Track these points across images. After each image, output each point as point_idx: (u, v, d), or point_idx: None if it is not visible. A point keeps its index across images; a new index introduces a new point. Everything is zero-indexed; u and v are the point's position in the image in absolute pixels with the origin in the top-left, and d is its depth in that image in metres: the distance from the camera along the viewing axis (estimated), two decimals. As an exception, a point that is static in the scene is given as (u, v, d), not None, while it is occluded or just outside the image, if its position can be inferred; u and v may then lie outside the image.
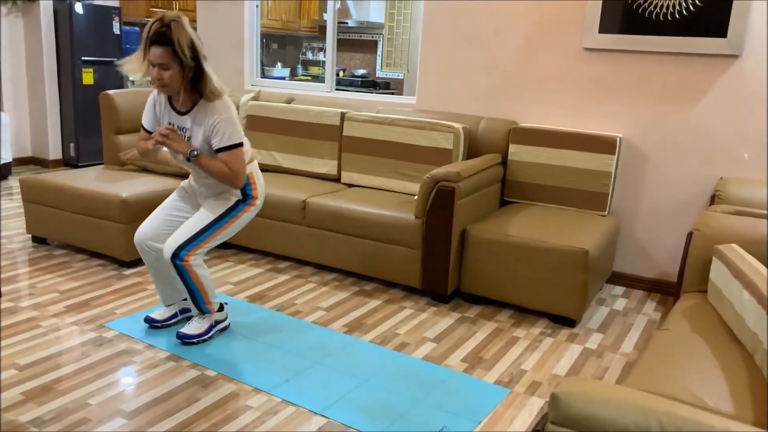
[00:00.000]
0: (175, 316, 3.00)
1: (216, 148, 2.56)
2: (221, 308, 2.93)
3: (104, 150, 4.41)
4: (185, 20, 2.43)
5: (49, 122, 6.27)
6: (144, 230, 2.78)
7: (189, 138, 2.62)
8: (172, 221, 2.82)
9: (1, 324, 2.90)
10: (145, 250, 2.79)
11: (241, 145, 2.59)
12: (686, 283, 2.58)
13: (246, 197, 2.75)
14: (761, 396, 1.69)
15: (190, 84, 2.50)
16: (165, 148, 2.64)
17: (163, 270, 2.85)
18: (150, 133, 2.72)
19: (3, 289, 3.31)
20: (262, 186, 2.82)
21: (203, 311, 2.82)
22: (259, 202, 2.80)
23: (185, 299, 2.98)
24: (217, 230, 2.70)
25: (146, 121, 2.75)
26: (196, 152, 2.55)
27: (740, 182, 3.24)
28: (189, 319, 3.01)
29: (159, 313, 2.98)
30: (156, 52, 2.41)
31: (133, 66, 2.52)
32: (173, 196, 2.88)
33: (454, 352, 2.87)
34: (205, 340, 2.83)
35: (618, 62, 3.69)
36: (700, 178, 3.59)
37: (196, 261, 2.66)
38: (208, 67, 2.49)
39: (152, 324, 2.94)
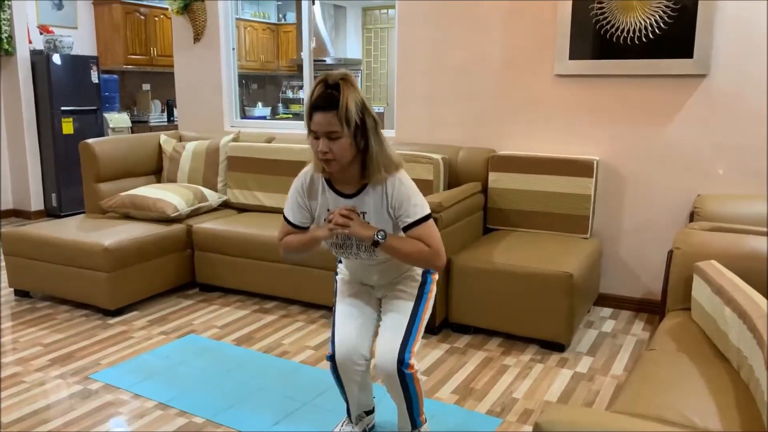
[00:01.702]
0: None
1: (408, 223, 2.06)
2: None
3: (85, 199, 4.39)
4: (354, 79, 2.00)
5: (30, 173, 6.25)
6: (347, 341, 2.16)
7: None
8: (364, 321, 2.23)
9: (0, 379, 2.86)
10: (353, 363, 2.16)
11: (431, 216, 2.10)
12: (670, 301, 2.59)
13: (427, 276, 2.27)
14: (748, 411, 1.69)
15: (361, 157, 2.03)
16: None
17: (365, 380, 2.30)
18: (297, 227, 2.20)
19: (-15, 345, 3.26)
20: None
21: (417, 425, 2.28)
22: (436, 281, 2.32)
23: (369, 413, 2.49)
24: (421, 319, 2.18)
25: (292, 214, 2.20)
26: (384, 234, 2.03)
27: (717, 198, 3.28)
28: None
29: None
30: (323, 118, 1.95)
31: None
32: (347, 299, 2.29)
33: (444, 385, 2.85)
34: None
35: (590, 87, 3.76)
36: (679, 196, 3.63)
37: (419, 368, 2.15)
38: (382, 135, 2.05)
39: None
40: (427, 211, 2.08)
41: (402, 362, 2.04)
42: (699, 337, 2.23)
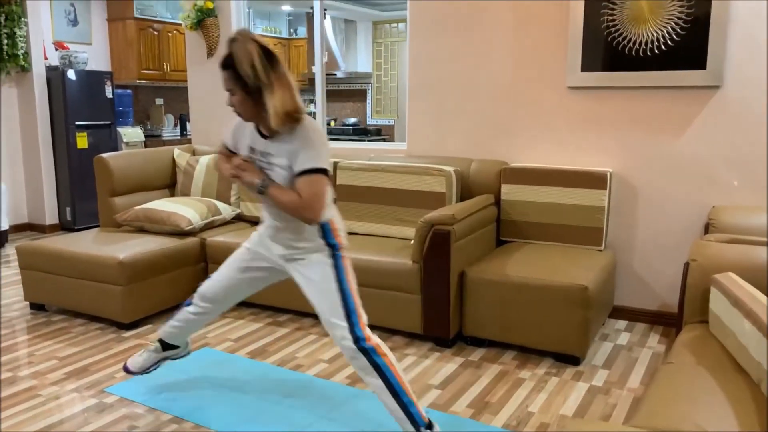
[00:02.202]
0: (156, 364, 2.84)
1: (295, 171, 2.21)
2: (430, 426, 2.33)
3: (100, 212, 4.43)
4: (249, 36, 2.14)
5: (44, 188, 6.31)
6: (211, 286, 2.58)
7: (270, 165, 2.28)
8: (241, 281, 2.57)
9: (0, 395, 2.87)
10: (207, 309, 2.60)
11: (323, 171, 2.20)
12: (687, 314, 2.57)
13: (333, 247, 2.38)
14: (770, 426, 1.67)
15: (262, 107, 2.18)
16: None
17: (198, 323, 2.70)
18: (230, 151, 2.49)
19: (2, 359, 3.27)
20: (344, 231, 2.44)
21: (419, 425, 2.26)
22: (347, 251, 2.44)
23: (167, 349, 2.83)
24: (348, 288, 2.34)
25: (228, 138, 2.49)
26: (266, 182, 2.25)
27: (732, 210, 3.26)
28: (172, 359, 2.89)
29: (137, 361, 2.80)
30: (223, 76, 2.19)
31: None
32: (239, 259, 2.59)
33: (459, 398, 2.84)
34: None
35: (602, 99, 3.76)
36: (693, 208, 3.61)
37: (381, 344, 2.29)
38: (277, 90, 2.14)
39: (131, 373, 2.81)
40: (314, 165, 2.19)
41: (357, 340, 2.23)
42: (718, 351, 2.21)
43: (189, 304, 2.71)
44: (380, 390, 2.27)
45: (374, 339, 2.28)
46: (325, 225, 2.36)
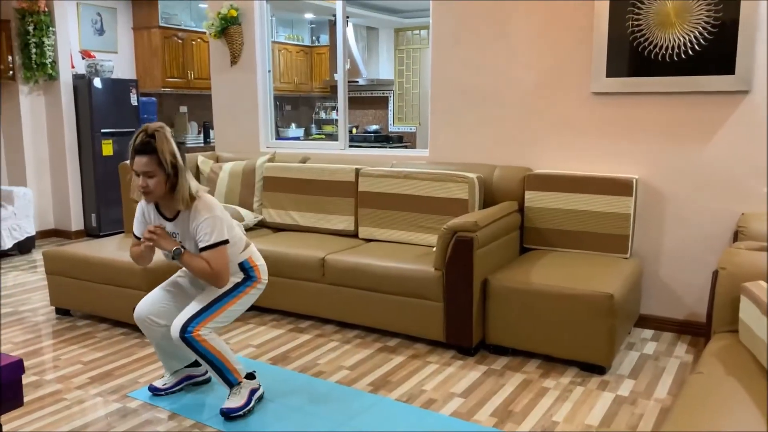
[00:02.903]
0: (180, 383, 2.97)
1: (200, 247, 2.61)
2: (252, 376, 2.83)
3: (124, 219, 4.47)
4: (168, 130, 2.57)
5: (70, 194, 6.40)
6: (143, 305, 2.80)
7: (180, 243, 2.68)
8: (172, 296, 2.85)
9: (23, 396, 2.90)
10: (147, 324, 2.79)
11: (224, 243, 2.63)
12: (716, 323, 2.52)
13: (249, 279, 2.80)
14: (806, 440, 1.62)
15: (172, 190, 2.59)
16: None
17: (168, 345, 2.85)
18: (138, 238, 2.78)
19: (27, 363, 3.31)
20: (264, 267, 2.88)
21: (233, 383, 2.75)
22: (262, 284, 2.85)
23: (189, 366, 2.99)
24: (223, 305, 2.70)
25: (137, 228, 2.80)
26: (180, 250, 2.62)
27: (762, 217, 3.19)
28: (196, 384, 3.01)
29: (162, 381, 2.96)
30: (141, 161, 2.52)
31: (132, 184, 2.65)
32: (173, 277, 2.94)
33: (482, 407, 2.80)
34: (249, 411, 2.73)
35: (628, 104, 3.71)
36: (722, 215, 3.54)
37: (206, 334, 2.63)
38: (186, 175, 2.58)
39: (156, 393, 2.91)
40: (215, 240, 2.60)
41: (184, 331, 2.58)
42: (748, 361, 2.16)
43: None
44: (206, 365, 2.69)
45: (200, 334, 2.61)
46: (244, 263, 2.79)
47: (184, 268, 2.89)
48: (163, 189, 2.57)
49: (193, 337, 2.59)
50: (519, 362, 3.29)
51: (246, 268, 2.79)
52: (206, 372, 3.04)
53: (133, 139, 2.55)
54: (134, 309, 2.81)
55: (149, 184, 2.54)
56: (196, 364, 3.00)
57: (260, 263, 2.85)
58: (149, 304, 2.80)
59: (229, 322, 2.79)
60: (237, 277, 2.77)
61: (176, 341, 2.62)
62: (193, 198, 2.61)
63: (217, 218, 2.62)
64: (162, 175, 2.53)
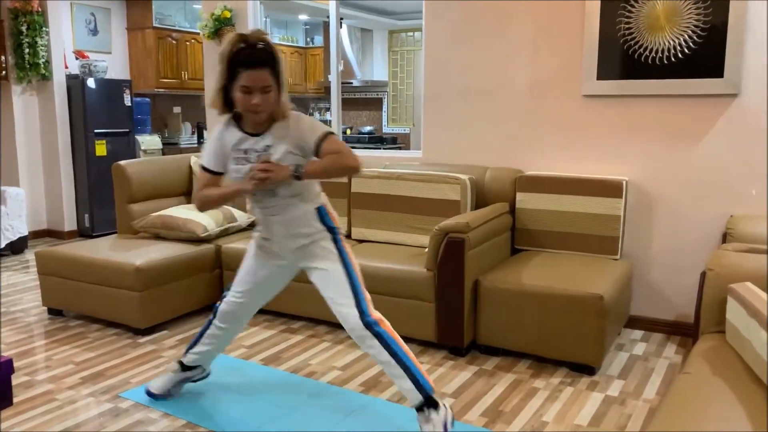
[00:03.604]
0: (177, 387, 2.88)
1: (316, 142, 2.30)
2: (436, 406, 2.37)
3: (117, 219, 4.48)
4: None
5: (63, 195, 6.39)
6: (230, 303, 2.64)
7: (271, 155, 2.35)
8: (264, 287, 2.66)
9: (12, 396, 2.90)
10: (220, 325, 2.67)
11: (332, 133, 2.35)
12: (704, 324, 2.54)
13: (332, 231, 2.50)
14: (788, 438, 1.65)
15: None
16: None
17: (225, 340, 2.74)
18: (214, 173, 2.45)
19: (19, 363, 3.31)
20: (337, 217, 2.58)
21: (428, 392, 2.34)
22: (343, 231, 2.59)
23: (186, 370, 2.86)
24: (353, 271, 2.45)
25: (211, 161, 2.44)
26: (300, 167, 2.30)
27: (751, 219, 3.22)
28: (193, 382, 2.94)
29: (159, 384, 2.86)
30: (259, 74, 2.19)
31: (215, 100, 2.33)
32: (253, 260, 2.63)
33: (473, 407, 2.82)
34: None
35: (619, 107, 3.74)
36: (711, 217, 3.57)
37: (380, 315, 2.39)
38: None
39: (155, 397, 2.85)
40: (325, 130, 2.33)
41: (363, 314, 2.34)
42: (734, 361, 2.18)
43: (209, 325, 2.77)
44: (386, 362, 2.36)
45: (376, 314, 2.40)
46: (321, 208, 2.48)
47: (259, 245, 2.60)
48: (274, 104, 2.27)
49: (376, 322, 2.35)
50: (510, 362, 3.31)
51: (322, 213, 2.48)
52: (205, 370, 2.92)
53: (232, 51, 2.19)
54: (221, 302, 2.66)
55: (266, 101, 2.24)
56: (190, 368, 2.86)
57: (335, 213, 2.56)
58: (242, 305, 2.63)
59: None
60: (324, 239, 2.47)
61: (362, 339, 2.36)
62: (291, 108, 2.37)
63: (313, 118, 2.43)
64: (277, 88, 2.24)
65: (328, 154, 2.30)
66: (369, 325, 2.35)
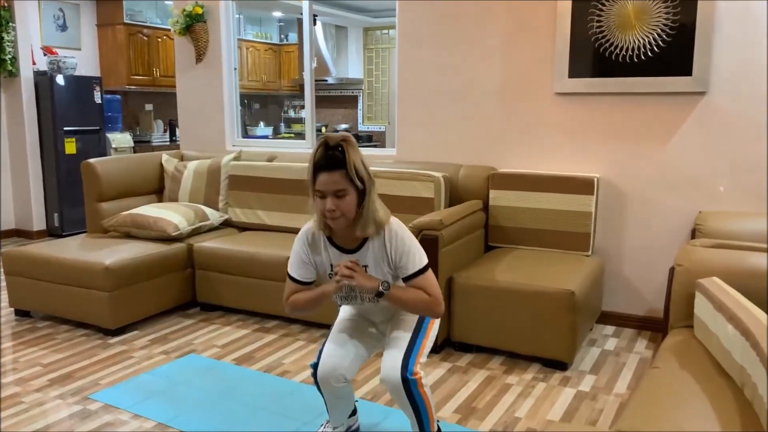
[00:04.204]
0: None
1: (408, 274, 2.16)
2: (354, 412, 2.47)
3: (87, 218, 4.40)
4: (353, 140, 2.11)
5: (32, 193, 6.27)
6: (334, 360, 2.24)
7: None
8: (359, 345, 2.33)
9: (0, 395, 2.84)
10: (340, 380, 2.24)
11: (429, 266, 2.20)
12: (673, 318, 2.58)
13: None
14: (752, 429, 1.67)
15: (360, 212, 2.11)
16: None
17: (344, 393, 2.33)
18: (302, 283, 2.27)
19: (-15, 365, 3.25)
20: None
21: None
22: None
23: (351, 416, 2.54)
24: (425, 333, 2.27)
25: (297, 271, 2.26)
26: (388, 285, 2.13)
27: (719, 215, 3.27)
28: None
29: None
30: (331, 178, 2.04)
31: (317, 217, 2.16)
32: (346, 322, 2.40)
33: (446, 404, 2.83)
34: None
35: (589, 105, 3.77)
36: (680, 213, 3.62)
37: (423, 377, 2.17)
38: (375, 192, 2.14)
39: None
40: (426, 261, 2.17)
41: (406, 369, 2.12)
42: (702, 355, 2.21)
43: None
44: (410, 415, 2.24)
45: (420, 373, 2.17)
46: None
47: (345, 309, 2.46)
48: (354, 210, 2.08)
49: (415, 380, 2.13)
50: (483, 359, 3.32)
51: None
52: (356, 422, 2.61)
53: (314, 153, 2.08)
54: (321, 366, 2.24)
55: (340, 206, 2.05)
56: (353, 412, 2.55)
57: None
58: (342, 358, 2.25)
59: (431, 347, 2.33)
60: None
61: (393, 387, 2.16)
62: (383, 220, 2.15)
63: (414, 239, 2.19)
64: (354, 193, 2.06)
65: (418, 288, 2.16)
66: (406, 380, 2.14)
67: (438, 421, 2.37)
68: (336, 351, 2.25)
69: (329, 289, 2.18)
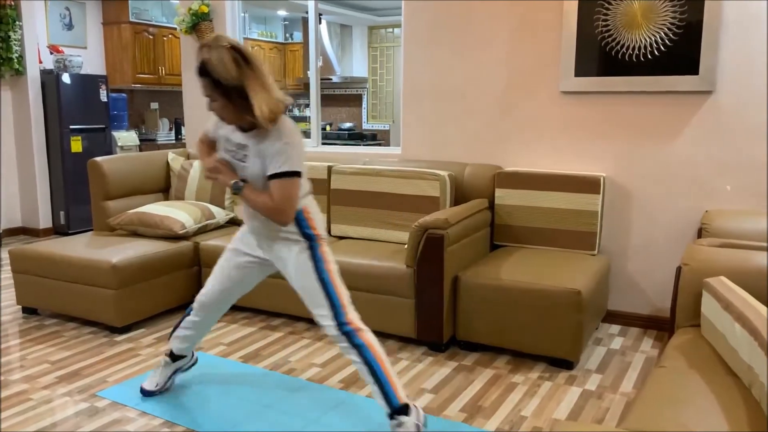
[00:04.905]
0: (169, 378, 2.91)
1: (267, 174, 2.27)
2: (406, 410, 2.35)
3: (93, 216, 4.41)
4: (225, 42, 2.20)
5: (38, 192, 6.29)
6: (207, 293, 2.66)
7: (245, 157, 2.34)
8: (230, 282, 2.65)
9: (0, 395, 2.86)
10: (198, 313, 2.70)
11: (295, 174, 2.27)
12: (679, 318, 2.58)
13: (310, 239, 2.44)
14: (759, 429, 1.67)
15: (244, 109, 2.22)
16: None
17: (204, 327, 2.76)
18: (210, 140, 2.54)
19: (-7, 363, 3.26)
20: (321, 220, 2.49)
21: (394, 406, 2.33)
22: (323, 240, 2.48)
23: (176, 360, 2.89)
24: (331, 281, 2.42)
25: (211, 124, 2.53)
26: (240, 184, 2.33)
27: (725, 214, 3.27)
28: (184, 371, 2.96)
29: (151, 381, 2.87)
30: (201, 84, 2.24)
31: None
32: (232, 253, 2.67)
33: (452, 403, 2.83)
34: None
35: (596, 103, 3.77)
36: (686, 212, 3.62)
37: (366, 331, 2.38)
38: (259, 95, 2.19)
39: (149, 395, 2.85)
40: (287, 168, 2.25)
41: (340, 324, 2.35)
42: (709, 354, 2.21)
43: (189, 313, 2.79)
44: (361, 369, 2.38)
45: (356, 323, 2.39)
46: (298, 215, 2.41)
47: (238, 240, 2.67)
48: (233, 112, 2.25)
49: (354, 331, 2.35)
50: (489, 358, 3.33)
51: (299, 219, 2.41)
52: (193, 356, 2.96)
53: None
54: (196, 298, 2.69)
55: (215, 108, 2.27)
56: (179, 358, 2.88)
57: (317, 217, 2.47)
58: (216, 295, 2.65)
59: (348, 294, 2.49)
60: (299, 247, 2.43)
61: (340, 345, 2.39)
62: (272, 117, 2.22)
63: (295, 145, 2.27)
64: (222, 97, 2.21)
65: (270, 191, 2.29)
66: (346, 333, 2.36)
67: (426, 414, 2.43)
68: (217, 287, 2.64)
69: (204, 163, 2.46)
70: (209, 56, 2.17)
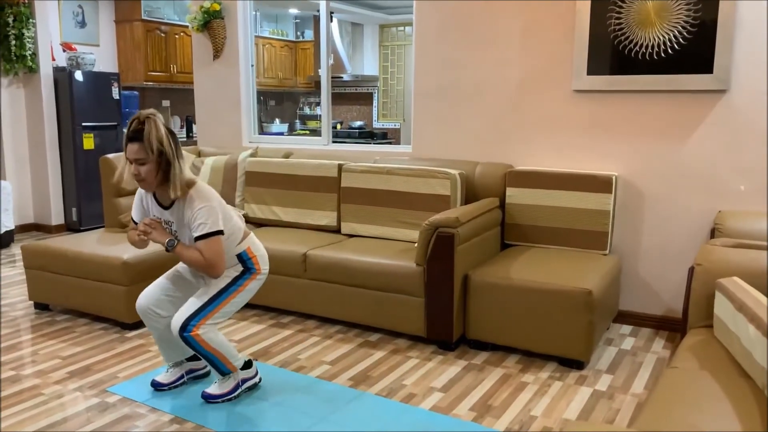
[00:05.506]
0: (181, 377, 2.96)
1: (194, 236, 2.58)
2: (249, 365, 2.90)
3: (105, 213, 4.44)
4: (159, 118, 2.54)
5: (51, 188, 6.34)
6: (145, 296, 2.81)
7: (175, 231, 2.68)
8: (174, 286, 2.84)
9: (1, 393, 2.88)
10: (149, 315, 2.80)
11: (218, 233, 2.59)
12: (692, 318, 2.56)
13: (248, 270, 2.78)
14: (775, 432, 1.66)
15: (165, 179, 2.55)
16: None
17: (169, 336, 2.84)
18: (136, 223, 2.78)
19: (5, 357, 3.28)
20: (265, 258, 2.85)
21: (225, 373, 2.80)
22: (262, 275, 2.83)
23: (191, 360, 2.99)
24: (222, 301, 2.70)
25: (135, 213, 2.81)
26: (173, 242, 2.61)
27: (739, 215, 3.24)
28: (196, 378, 3.00)
29: (164, 376, 2.94)
30: (132, 148, 2.51)
31: (122, 173, 2.62)
32: (176, 267, 2.93)
33: (462, 402, 2.82)
34: (230, 399, 2.80)
35: (608, 102, 3.74)
36: (699, 213, 3.59)
37: (205, 332, 2.64)
38: (178, 163, 2.55)
39: (159, 388, 2.90)
40: (208, 230, 2.57)
41: (184, 329, 2.61)
42: (722, 355, 2.19)
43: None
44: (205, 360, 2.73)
45: (199, 332, 2.63)
46: (243, 254, 2.77)
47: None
48: (155, 177, 2.54)
49: (191, 336, 2.62)
50: (499, 357, 3.32)
51: (244, 259, 2.77)
52: (206, 366, 3.04)
53: (128, 126, 2.53)
54: (137, 300, 2.82)
55: (141, 172, 2.52)
56: (196, 357, 3.01)
57: (260, 254, 2.83)
58: (151, 295, 2.80)
59: (230, 316, 2.82)
60: (235, 270, 2.76)
61: (176, 338, 2.66)
62: (188, 187, 2.59)
63: (212, 208, 2.58)
64: (152, 162, 2.50)
65: (198, 251, 2.59)
66: (183, 338, 2.63)
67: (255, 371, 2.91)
68: (150, 290, 2.81)
69: (134, 237, 2.69)
70: (150, 126, 2.49)
